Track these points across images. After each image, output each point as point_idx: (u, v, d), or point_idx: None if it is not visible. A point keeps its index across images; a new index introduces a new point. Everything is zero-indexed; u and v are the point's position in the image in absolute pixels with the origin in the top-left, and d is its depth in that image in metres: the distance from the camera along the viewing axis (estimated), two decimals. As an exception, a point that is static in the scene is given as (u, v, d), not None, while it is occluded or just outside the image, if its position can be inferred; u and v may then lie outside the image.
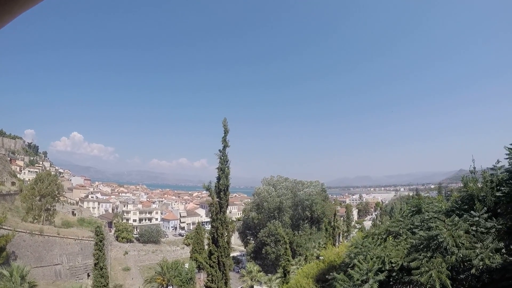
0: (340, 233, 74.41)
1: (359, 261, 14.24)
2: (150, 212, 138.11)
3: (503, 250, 10.22)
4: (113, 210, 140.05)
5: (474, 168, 16.23)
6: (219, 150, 41.58)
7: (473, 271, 10.03)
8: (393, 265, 13.32)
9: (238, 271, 70.88)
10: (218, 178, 41.01)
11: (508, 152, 13.03)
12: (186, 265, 57.75)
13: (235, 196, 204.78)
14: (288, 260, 42.80)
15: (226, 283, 39.52)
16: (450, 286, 10.15)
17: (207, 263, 38.84)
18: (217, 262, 38.89)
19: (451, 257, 11.08)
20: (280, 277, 45.02)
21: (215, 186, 40.68)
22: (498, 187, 13.53)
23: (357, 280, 12.96)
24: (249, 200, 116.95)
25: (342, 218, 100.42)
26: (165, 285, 55.65)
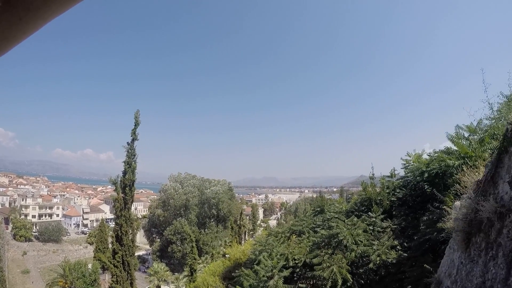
0: (246, 231, 75.70)
1: (264, 257, 14.74)
2: (50, 208, 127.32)
3: (398, 247, 11.30)
4: (10, 204, 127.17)
5: (373, 174, 17.67)
6: (127, 142, 39.72)
7: (371, 265, 10.94)
8: (297, 261, 14.02)
9: (145, 271, 68.14)
10: (124, 173, 39.13)
11: (404, 162, 14.42)
12: (90, 266, 54.43)
13: (141, 192, 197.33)
14: (195, 259, 42.53)
15: (131, 283, 38.03)
16: (350, 279, 10.97)
17: (111, 263, 37.01)
18: (121, 262, 37.15)
19: (350, 254, 11.99)
20: (187, 276, 44.38)
21: (121, 181, 38.69)
22: (393, 192, 14.91)
23: (263, 276, 13.41)
24: (156, 196, 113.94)
25: (248, 217, 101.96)
26: (68, 288, 52.07)
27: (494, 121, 7.69)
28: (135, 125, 39.76)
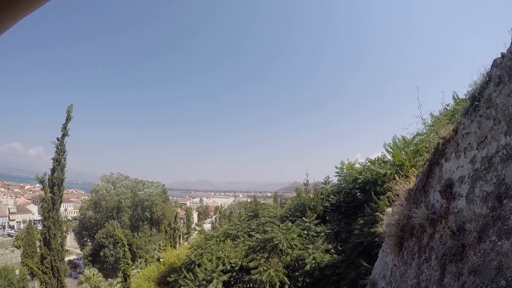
0: (180, 235, 74.06)
1: (203, 261, 14.60)
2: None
3: (332, 250, 11.65)
4: None
5: (308, 181, 18.09)
6: (57, 138, 36.92)
7: (307, 268, 11.18)
8: (233, 265, 13.99)
9: (76, 277, 64.05)
10: (53, 170, 36.32)
11: (338, 170, 14.98)
12: (17, 272, 49.94)
13: (72, 192, 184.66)
14: (128, 263, 40.75)
15: (62, 291, 35.90)
16: (288, 282, 11.15)
17: (39, 269, 34.40)
18: (50, 268, 34.49)
19: (286, 257, 12.19)
20: (121, 282, 42.50)
21: (49, 179, 35.82)
22: (327, 198, 15.37)
23: (202, 280, 13.27)
24: (87, 197, 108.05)
25: (182, 220, 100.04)
26: (-6, 297, 47.29)
27: (426, 135, 8.26)
28: (66, 120, 36.90)
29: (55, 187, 35.89)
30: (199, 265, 14.58)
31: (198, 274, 13.67)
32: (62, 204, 38.55)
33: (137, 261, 52.01)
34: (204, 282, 13.17)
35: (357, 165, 14.56)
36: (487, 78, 4.17)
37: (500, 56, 4.02)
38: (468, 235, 3.99)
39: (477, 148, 4.19)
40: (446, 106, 7.53)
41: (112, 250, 66.13)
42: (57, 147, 36.61)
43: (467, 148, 4.44)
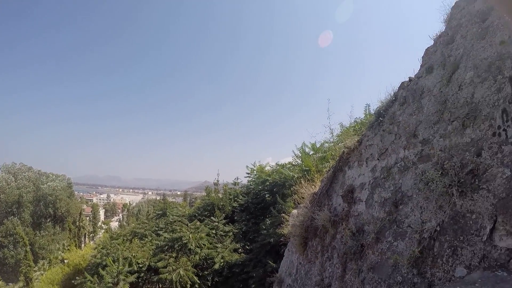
0: (85, 233, 69.63)
1: (109, 262, 13.98)
2: None
3: (240, 250, 11.83)
4: None
5: (218, 180, 18.18)
6: None
7: (216, 267, 11.22)
8: (141, 265, 13.56)
9: None
10: None
11: (248, 171, 15.26)
12: None
13: None
14: (30, 265, 37.35)
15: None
16: (198, 281, 11.06)
17: None
18: None
19: (195, 256, 12.11)
20: (22, 286, 38.81)
21: None
22: (235, 199, 15.58)
23: (108, 282, 12.67)
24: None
25: (88, 218, 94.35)
26: None
27: (333, 144, 8.76)
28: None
29: None
30: (104, 266, 13.91)
31: (104, 276, 13.03)
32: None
33: (40, 263, 47.68)
34: (111, 284, 12.56)
35: (267, 168, 14.97)
36: (394, 98, 4.57)
37: (408, 80, 4.44)
38: (367, 236, 4.29)
39: (378, 159, 4.55)
40: (356, 119, 8.07)
41: (12, 250, 59.76)
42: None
43: (369, 158, 4.79)
